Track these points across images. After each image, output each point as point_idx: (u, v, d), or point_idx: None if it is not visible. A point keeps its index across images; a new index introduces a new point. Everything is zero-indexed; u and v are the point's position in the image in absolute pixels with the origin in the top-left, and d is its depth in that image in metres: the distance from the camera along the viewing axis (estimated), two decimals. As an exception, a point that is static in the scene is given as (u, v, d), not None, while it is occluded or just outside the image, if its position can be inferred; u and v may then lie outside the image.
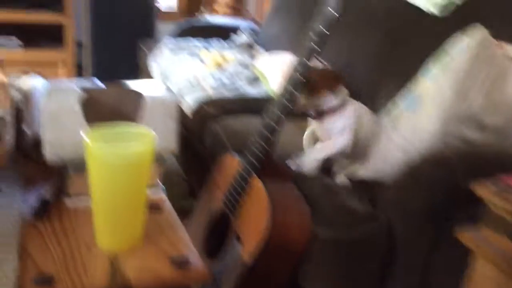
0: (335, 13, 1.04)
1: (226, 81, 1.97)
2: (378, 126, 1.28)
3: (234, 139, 1.50)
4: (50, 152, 0.95)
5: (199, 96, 1.83)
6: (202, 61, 2.20)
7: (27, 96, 1.45)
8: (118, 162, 0.77)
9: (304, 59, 1.02)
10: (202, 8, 3.49)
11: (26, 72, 3.25)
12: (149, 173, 0.85)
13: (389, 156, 1.16)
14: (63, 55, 3.35)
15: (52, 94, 0.98)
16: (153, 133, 0.82)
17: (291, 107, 1.06)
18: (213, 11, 3.87)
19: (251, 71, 2.11)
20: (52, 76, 3.37)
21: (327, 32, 1.04)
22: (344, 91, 1.26)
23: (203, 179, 1.83)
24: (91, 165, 0.79)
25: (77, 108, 0.94)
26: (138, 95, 1.05)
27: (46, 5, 3.34)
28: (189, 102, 1.84)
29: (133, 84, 1.09)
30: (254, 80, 2.04)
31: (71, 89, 1.03)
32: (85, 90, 1.05)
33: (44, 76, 3.33)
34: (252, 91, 1.90)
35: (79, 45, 3.43)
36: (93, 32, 3.37)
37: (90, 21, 3.34)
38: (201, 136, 1.73)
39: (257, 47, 2.64)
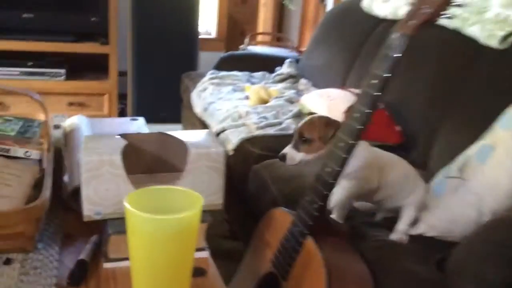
0: (397, 55, 0.94)
1: (270, 117, 1.89)
2: (408, 169, 1.17)
3: (279, 182, 1.41)
4: (88, 208, 0.89)
5: (242, 133, 1.76)
6: (246, 95, 2.13)
7: (68, 138, 1.41)
8: (161, 231, 0.70)
9: (365, 108, 0.92)
10: (246, 39, 3.45)
11: (70, 104, 3.29)
12: (195, 239, 0.76)
13: (457, 212, 1.04)
14: (107, 85, 3.37)
15: (90, 144, 0.92)
16: (201, 196, 0.74)
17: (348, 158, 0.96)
18: (254, 41, 3.84)
19: (296, 106, 2.02)
20: (96, 106, 3.40)
21: (389, 75, 0.94)
22: None
23: (245, 221, 1.74)
24: (131, 232, 0.72)
25: (118, 160, 0.88)
26: (182, 145, 0.97)
27: (93, 37, 3.39)
28: (231, 139, 1.76)
29: (178, 133, 1.02)
30: (299, 116, 1.95)
31: (111, 138, 0.96)
32: (125, 137, 0.98)
33: (87, 105, 3.37)
34: (298, 129, 1.81)
35: (122, 74, 3.46)
36: (136, 62, 3.40)
37: (133, 51, 3.37)
38: (243, 176, 1.65)
39: (303, 80, 2.55)
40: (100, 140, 0.94)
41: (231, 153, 1.74)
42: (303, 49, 3.84)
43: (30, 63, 3.26)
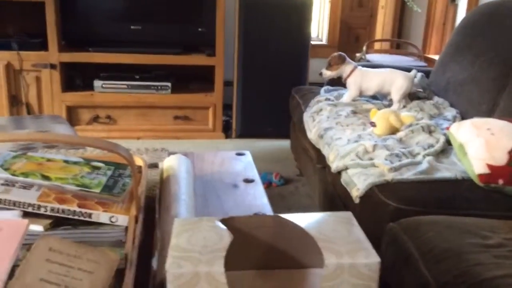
0: None
1: (404, 154, 1.52)
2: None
3: (432, 260, 1.04)
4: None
5: (370, 177, 1.41)
6: (371, 122, 1.77)
7: (163, 187, 1.17)
8: None
9: None
10: (363, 48, 3.06)
11: (175, 117, 3.16)
12: None
13: None
14: (212, 99, 3.21)
15: (181, 239, 0.65)
16: None
17: None
18: (372, 49, 3.44)
19: (436, 138, 1.63)
20: (201, 120, 3.25)
21: None
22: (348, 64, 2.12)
23: None
24: None
25: (219, 275, 0.59)
26: (309, 241, 0.66)
27: (198, 48, 3.25)
28: (357, 184, 1.43)
29: (303, 218, 0.71)
30: (443, 153, 1.56)
31: (210, 226, 0.68)
32: (230, 223, 0.70)
33: (192, 119, 3.23)
34: (445, 172, 1.42)
35: (227, 84, 3.27)
36: (243, 72, 3.18)
37: (240, 60, 3.15)
38: (374, 235, 1.30)
39: (437, 99, 2.13)
40: (195, 231, 0.66)
41: (356, 201, 1.40)
42: (430, 56, 3.36)
43: (137, 76, 3.20)
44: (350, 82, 2.11)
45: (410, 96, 2.12)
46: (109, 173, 1.09)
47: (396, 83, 2.03)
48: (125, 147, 0.90)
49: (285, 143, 3.04)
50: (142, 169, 1.18)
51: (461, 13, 3.36)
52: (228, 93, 3.29)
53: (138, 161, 1.19)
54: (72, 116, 3.16)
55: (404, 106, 2.04)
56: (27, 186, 0.97)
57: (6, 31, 3.17)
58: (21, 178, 0.98)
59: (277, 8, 3.07)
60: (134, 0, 3.15)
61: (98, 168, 1.10)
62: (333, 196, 1.69)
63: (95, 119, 3.19)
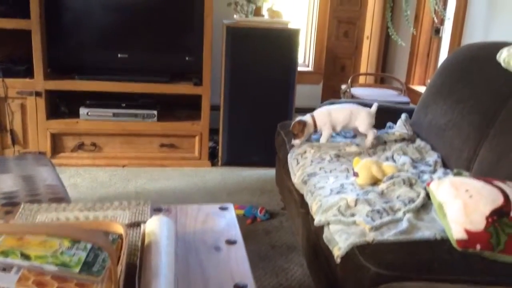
0: None
1: (385, 209, 1.54)
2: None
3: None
4: None
5: (351, 236, 1.42)
6: (354, 172, 1.79)
7: (144, 256, 1.18)
8: None
9: None
10: (348, 82, 3.09)
11: (161, 145, 3.15)
12: None
13: None
14: (198, 127, 3.22)
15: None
16: None
17: None
18: (357, 83, 3.47)
19: (418, 193, 1.65)
20: (187, 148, 3.25)
21: None
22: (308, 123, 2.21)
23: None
24: None
25: None
26: None
27: (185, 76, 3.27)
28: (338, 242, 1.44)
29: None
30: (423, 207, 1.58)
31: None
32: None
33: (178, 147, 3.22)
34: (425, 231, 1.43)
35: (214, 109, 3.28)
36: (229, 99, 3.20)
37: (226, 89, 3.17)
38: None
39: (419, 142, 2.16)
40: None
41: (337, 261, 1.42)
42: (414, 87, 3.41)
43: (123, 104, 3.20)
44: (320, 126, 2.21)
45: (396, 138, 2.16)
46: (89, 246, 1.09)
47: (361, 117, 2.19)
48: (103, 235, 0.91)
49: (270, 172, 3.05)
50: (122, 236, 1.18)
51: (445, 45, 3.42)
52: (216, 118, 3.30)
53: (119, 229, 1.19)
54: (57, 143, 3.14)
55: (374, 145, 2.15)
56: (6, 268, 0.97)
57: (-9, 58, 3.16)
58: (0, 259, 0.98)
59: (264, 37, 3.10)
60: (121, 28, 3.15)
61: (78, 241, 1.10)
62: (315, 246, 1.71)
63: (80, 146, 3.18)
